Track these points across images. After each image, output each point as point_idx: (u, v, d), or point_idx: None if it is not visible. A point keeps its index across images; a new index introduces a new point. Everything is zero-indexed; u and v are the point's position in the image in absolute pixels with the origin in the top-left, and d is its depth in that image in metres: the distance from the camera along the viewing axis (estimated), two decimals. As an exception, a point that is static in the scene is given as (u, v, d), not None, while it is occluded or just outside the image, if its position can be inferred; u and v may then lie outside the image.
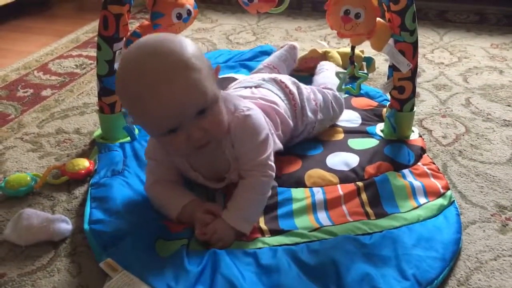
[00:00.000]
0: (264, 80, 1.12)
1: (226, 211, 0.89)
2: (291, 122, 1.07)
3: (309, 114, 1.11)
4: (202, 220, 0.88)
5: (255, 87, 1.09)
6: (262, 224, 0.91)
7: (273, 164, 0.93)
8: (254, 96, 1.05)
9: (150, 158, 0.96)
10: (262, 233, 0.89)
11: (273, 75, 1.15)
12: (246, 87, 1.10)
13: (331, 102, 1.17)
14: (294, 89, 1.11)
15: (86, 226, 0.90)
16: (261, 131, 0.92)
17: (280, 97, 1.08)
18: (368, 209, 0.94)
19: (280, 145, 1.02)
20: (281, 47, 1.43)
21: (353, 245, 0.84)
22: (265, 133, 0.92)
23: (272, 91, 1.09)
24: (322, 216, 0.93)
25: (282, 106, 1.06)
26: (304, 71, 1.46)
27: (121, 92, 0.85)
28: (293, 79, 1.15)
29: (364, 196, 0.97)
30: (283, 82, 1.12)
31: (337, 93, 1.20)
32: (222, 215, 0.88)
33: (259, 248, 0.85)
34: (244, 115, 0.91)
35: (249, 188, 0.91)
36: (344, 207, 0.95)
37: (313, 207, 0.95)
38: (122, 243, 0.84)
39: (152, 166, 0.96)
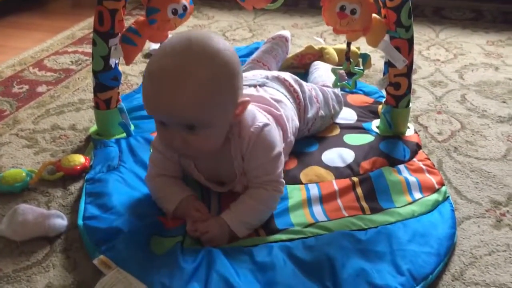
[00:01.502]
0: (267, 78, 1.10)
1: (227, 211, 0.88)
2: (297, 122, 1.07)
3: (311, 112, 1.11)
4: (192, 217, 0.88)
5: (260, 85, 1.08)
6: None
7: (283, 180, 0.91)
8: (261, 95, 1.03)
9: (155, 149, 0.94)
10: (257, 234, 0.88)
11: (275, 73, 1.14)
12: (250, 85, 1.08)
13: (331, 99, 1.17)
14: (297, 88, 1.11)
15: (80, 222, 0.90)
16: (274, 147, 0.90)
17: (286, 96, 1.07)
18: (364, 204, 0.94)
19: (285, 159, 1.02)
20: (272, 38, 1.41)
21: (348, 241, 0.84)
22: (278, 150, 0.90)
23: (278, 90, 1.08)
24: (318, 210, 0.93)
25: (289, 105, 1.06)
26: (300, 67, 1.46)
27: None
28: (294, 76, 1.15)
29: (359, 190, 0.98)
30: (287, 81, 1.11)
31: (336, 91, 1.20)
32: (222, 214, 0.88)
33: (255, 245, 0.85)
34: (260, 130, 0.88)
35: (256, 198, 0.89)
36: (339, 201, 0.95)
37: (308, 202, 0.95)
38: (116, 240, 0.83)
39: (156, 158, 0.94)
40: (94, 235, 0.86)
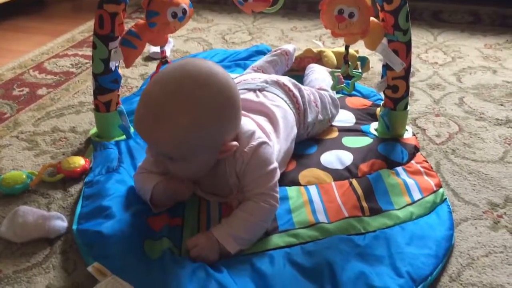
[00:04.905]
0: (267, 82, 1.10)
1: (217, 225, 0.87)
2: (296, 130, 1.07)
3: (310, 116, 1.11)
4: (174, 195, 0.91)
5: (259, 90, 1.07)
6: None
7: (276, 194, 0.89)
8: (261, 102, 1.03)
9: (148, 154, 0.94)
10: None
11: (274, 77, 1.13)
12: (249, 90, 1.08)
13: (328, 103, 1.18)
14: (296, 92, 1.10)
15: (74, 226, 0.89)
16: (268, 164, 0.89)
17: (285, 101, 1.07)
18: (364, 204, 0.95)
19: (283, 169, 1.02)
20: (274, 51, 1.42)
21: (347, 245, 0.85)
22: (272, 167, 0.89)
23: (278, 95, 1.07)
24: (319, 210, 0.93)
25: (289, 112, 1.06)
26: (299, 70, 1.47)
27: None
28: (293, 80, 1.15)
29: (359, 191, 0.98)
30: (286, 85, 1.10)
31: (333, 94, 1.21)
32: (212, 228, 0.86)
33: (253, 253, 0.85)
34: (253, 149, 0.88)
35: (246, 210, 0.87)
36: (339, 201, 0.96)
37: (310, 202, 0.95)
38: (109, 245, 0.83)
39: (148, 160, 0.94)
40: (87, 239, 0.85)
